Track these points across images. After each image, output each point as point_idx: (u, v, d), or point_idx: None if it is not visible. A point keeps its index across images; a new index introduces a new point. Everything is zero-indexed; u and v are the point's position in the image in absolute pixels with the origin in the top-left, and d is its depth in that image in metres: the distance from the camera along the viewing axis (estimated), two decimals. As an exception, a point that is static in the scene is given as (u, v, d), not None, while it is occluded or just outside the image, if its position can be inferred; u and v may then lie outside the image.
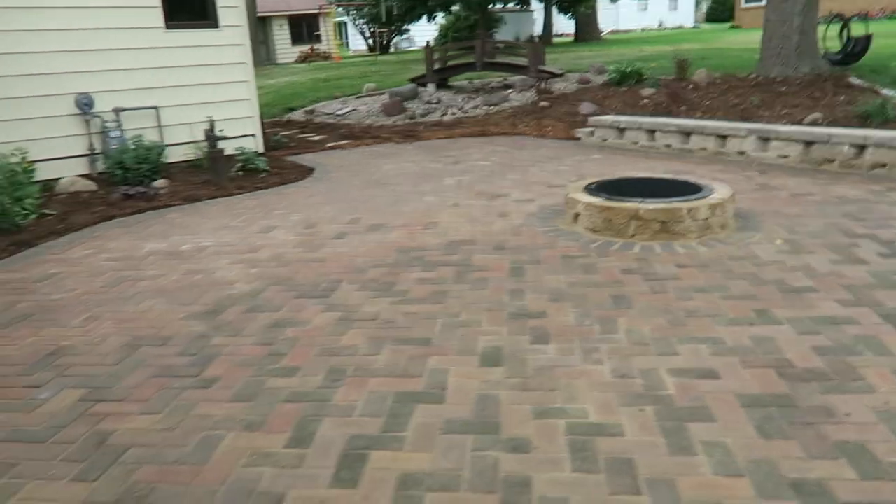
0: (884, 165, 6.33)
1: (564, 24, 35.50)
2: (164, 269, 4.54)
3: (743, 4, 32.51)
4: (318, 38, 33.75)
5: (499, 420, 2.50)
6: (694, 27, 41.62)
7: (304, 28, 35.11)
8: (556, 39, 32.03)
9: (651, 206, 4.58)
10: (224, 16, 8.27)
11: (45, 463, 2.37)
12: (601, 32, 32.35)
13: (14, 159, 6.14)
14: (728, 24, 35.01)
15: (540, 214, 5.42)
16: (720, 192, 4.87)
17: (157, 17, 7.82)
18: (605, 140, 8.82)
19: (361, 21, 33.63)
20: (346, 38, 44.99)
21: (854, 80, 8.82)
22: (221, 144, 7.50)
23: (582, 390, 2.68)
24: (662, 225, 4.57)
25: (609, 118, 8.84)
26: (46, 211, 6.09)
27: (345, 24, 41.78)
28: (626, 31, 39.58)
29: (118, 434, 2.53)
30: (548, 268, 4.15)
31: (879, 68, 9.31)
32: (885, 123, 7.01)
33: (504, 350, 3.07)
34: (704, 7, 50.11)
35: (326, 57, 31.06)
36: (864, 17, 9.77)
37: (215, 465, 2.32)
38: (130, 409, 2.72)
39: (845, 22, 9.44)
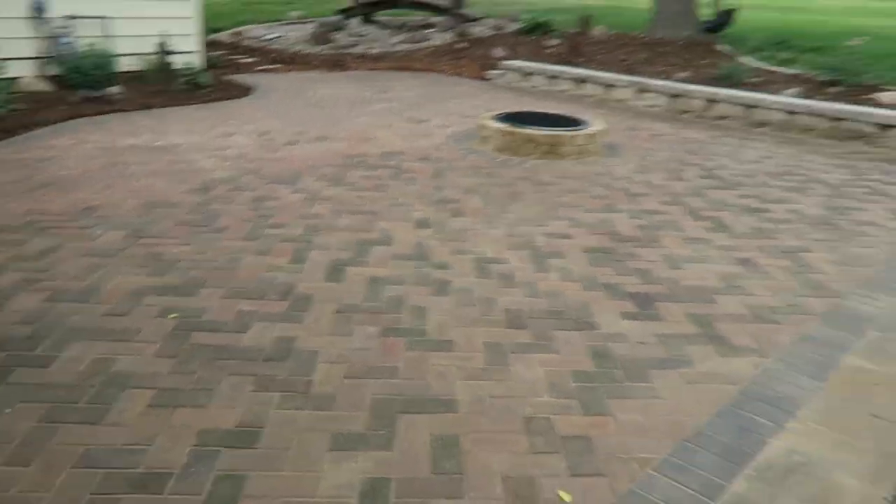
0: (726, 117, 8.04)
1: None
2: (147, 158, 5.49)
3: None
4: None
5: (429, 255, 3.82)
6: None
7: (216, -55, 33.90)
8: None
9: (543, 133, 5.96)
10: (170, -64, 8.81)
11: (124, 268, 3.47)
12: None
13: (-17, 57, 6.71)
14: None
15: (456, 137, 6.70)
16: (595, 125, 6.32)
17: (107, -69, 8.29)
18: (512, 82, 10.15)
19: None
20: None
21: (720, 47, 10.53)
22: (170, 58, 8.22)
23: (483, 241, 4.04)
24: (550, 147, 5.97)
25: (517, 63, 10.15)
26: (15, 107, 6.74)
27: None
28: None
29: (167, 254, 3.66)
30: (461, 173, 5.46)
31: (739, 39, 11.08)
32: (734, 85, 8.70)
33: (431, 220, 4.38)
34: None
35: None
36: None
37: (243, 270, 3.51)
38: (168, 242, 3.83)
39: (713, -7, 11.15)
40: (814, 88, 8.39)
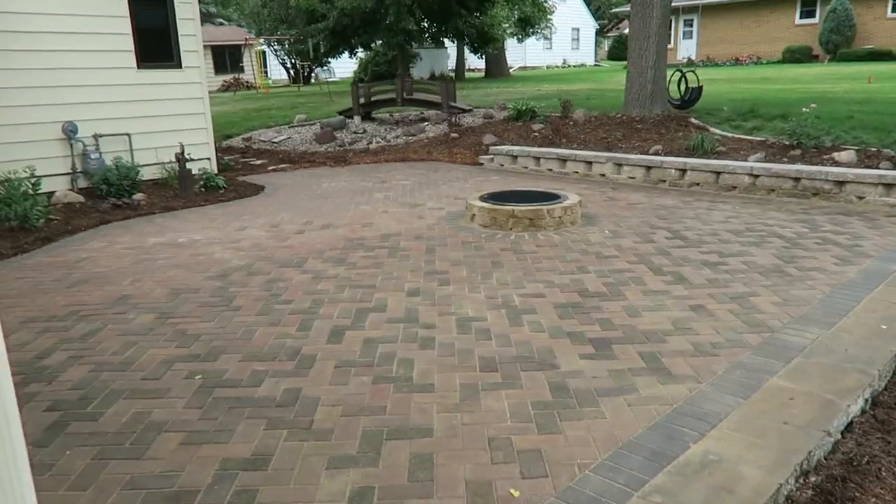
0: (698, 184, 8.70)
1: (476, 61, 38.28)
2: (171, 253, 6.18)
3: (634, 48, 36.20)
4: (241, 69, 35.06)
5: (417, 317, 4.38)
6: (595, 65, 45.41)
7: (227, 58, 36.39)
8: (469, 74, 34.65)
9: (523, 208, 6.62)
10: (186, 58, 9.91)
11: (155, 343, 4.05)
12: (510, 68, 35.27)
13: (24, 174, 7.57)
14: (625, 63, 38.73)
15: (448, 217, 7.37)
16: (571, 199, 6.98)
17: (131, 59, 9.38)
18: (502, 165, 10.96)
19: (283, 53, 35.17)
20: (267, 67, 46.35)
21: (693, 120, 11.34)
22: (188, 166, 9.10)
23: (466, 304, 4.60)
24: (531, 221, 6.61)
25: (505, 148, 11.00)
26: (52, 217, 7.54)
27: (264, 53, 43.22)
28: (533, 68, 42.87)
29: (192, 330, 4.24)
30: (450, 248, 6.08)
31: (713, 111, 11.91)
32: (705, 154, 9.42)
33: (421, 289, 4.96)
34: (607, 45, 54.52)
35: (250, 87, 32.43)
36: (694, 71, 12.37)
37: (257, 338, 4.08)
38: (192, 320, 4.42)
39: (682, 75, 12.04)
40: (779, 152, 9.09)
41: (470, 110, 14.75)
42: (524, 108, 13.11)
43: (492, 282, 5.08)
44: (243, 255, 6.03)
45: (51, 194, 8.31)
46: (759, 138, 9.91)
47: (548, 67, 43.23)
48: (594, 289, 4.86)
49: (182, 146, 9.07)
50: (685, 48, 34.91)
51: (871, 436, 3.04)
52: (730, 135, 10.36)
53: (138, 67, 9.45)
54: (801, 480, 2.69)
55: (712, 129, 10.76)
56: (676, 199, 8.06)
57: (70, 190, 8.74)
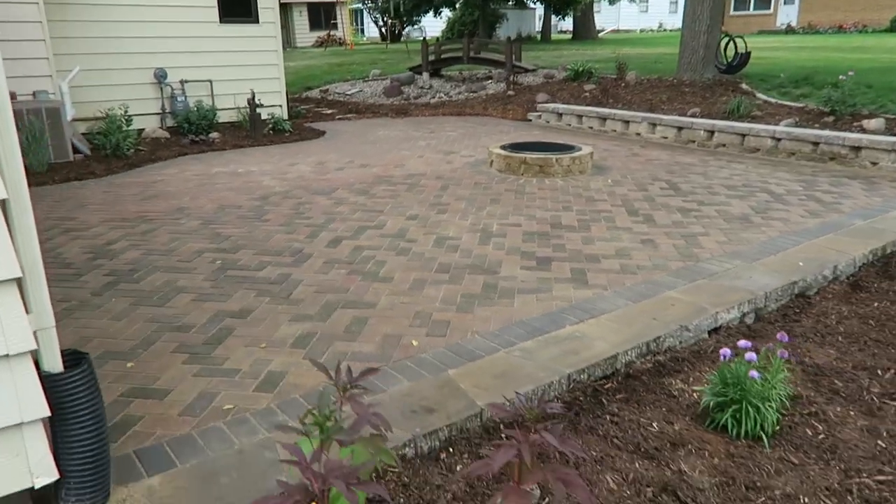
0: (724, 145, 9.04)
1: (566, 22, 37.96)
2: (228, 179, 7.32)
3: (731, 13, 34.90)
4: (334, 26, 36.42)
5: (405, 234, 5.26)
6: (691, 30, 43.83)
7: (321, 15, 37.79)
8: (556, 36, 34.56)
9: (533, 156, 7.32)
10: (263, 14, 11.01)
11: (194, 240, 5.14)
12: (601, 31, 34.82)
13: (119, 111, 8.93)
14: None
15: (473, 163, 8.16)
16: (584, 151, 7.60)
17: (214, 14, 10.57)
18: (548, 122, 11.55)
19: (375, 11, 36.22)
20: (362, 25, 47.68)
21: (743, 86, 11.46)
22: (258, 110, 10.26)
23: (451, 228, 5.44)
24: (540, 168, 7.30)
25: (551, 105, 11.56)
26: (140, 148, 8.88)
27: (360, 12, 44.49)
28: (626, 31, 41.97)
29: (225, 233, 5.30)
30: (462, 187, 6.89)
31: (769, 77, 11.93)
32: (740, 118, 9.67)
33: (420, 215, 5.83)
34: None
35: (341, 43, 33.78)
36: (742, 37, 12.34)
37: (272, 241, 5.09)
38: (227, 227, 5.49)
39: (731, 39, 12.08)
40: (813, 118, 9.23)
41: (533, 70, 15.25)
42: (581, 69, 13.51)
43: (482, 213, 5.88)
44: (286, 184, 7.07)
45: (142, 130, 9.68)
46: (799, 105, 10.02)
47: (641, 31, 42.20)
48: (567, 223, 5.57)
49: (253, 92, 10.23)
50: (785, 14, 33.33)
51: (734, 338, 3.69)
52: (773, 100, 10.49)
53: (220, 22, 10.63)
54: (646, 357, 3.41)
55: (759, 95, 10.89)
56: (696, 158, 8.48)
57: (160, 128, 10.10)
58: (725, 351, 2.77)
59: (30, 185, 6.77)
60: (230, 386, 2.99)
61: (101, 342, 3.43)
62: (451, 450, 2.62)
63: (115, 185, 7.09)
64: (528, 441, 1.66)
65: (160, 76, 10.13)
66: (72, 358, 2.16)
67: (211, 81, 10.68)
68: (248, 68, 10.99)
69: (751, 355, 2.69)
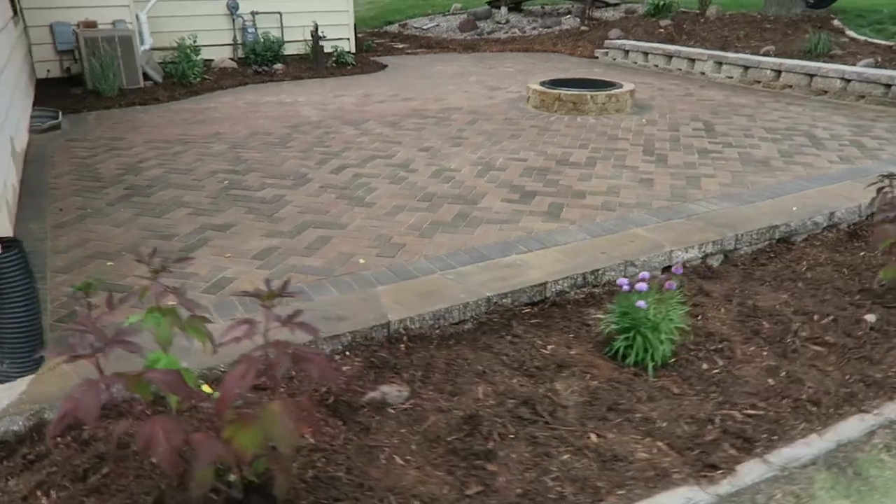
0: (790, 86, 8.49)
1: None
2: (272, 109, 7.71)
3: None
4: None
5: (409, 165, 5.44)
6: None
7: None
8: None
9: (568, 92, 7.22)
10: (333, -54, 11.17)
11: (215, 162, 5.56)
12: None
13: (188, 42, 9.49)
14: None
15: (514, 99, 8.13)
16: (624, 88, 7.40)
17: (285, -54, 10.84)
18: (614, 59, 11.16)
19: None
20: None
21: (835, 22, 10.55)
22: (322, 43, 10.56)
23: (456, 160, 5.57)
24: (574, 104, 7.20)
25: (618, 42, 11.15)
26: (206, 77, 9.43)
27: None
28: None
29: (245, 157, 5.69)
30: (490, 122, 6.94)
31: (868, 13, 10.91)
32: (818, 56, 8.99)
33: (433, 147, 5.98)
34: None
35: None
36: None
37: (283, 166, 5.42)
38: (251, 151, 5.87)
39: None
40: (897, 59, 8.46)
41: (616, 4, 14.62)
42: (662, 3, 12.84)
43: (495, 148, 5.95)
44: (322, 114, 7.38)
45: (211, 61, 10.24)
46: (889, 43, 9.17)
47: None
48: (575, 160, 5.56)
49: (316, 25, 10.51)
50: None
51: (691, 278, 3.68)
52: (863, 39, 9.64)
53: (291, -46, 10.89)
54: (581, 289, 3.50)
55: (848, 32, 10.03)
56: (752, 99, 8.03)
57: (230, 58, 10.63)
58: (623, 280, 2.83)
59: (98, 108, 7.53)
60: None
61: (96, 244, 3.90)
62: (347, 353, 2.88)
63: (171, 111, 7.66)
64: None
65: (232, 7, 10.58)
66: (8, 243, 2.56)
67: (280, 13, 11.04)
68: (316, 1, 11.25)
69: (641, 285, 2.74)
